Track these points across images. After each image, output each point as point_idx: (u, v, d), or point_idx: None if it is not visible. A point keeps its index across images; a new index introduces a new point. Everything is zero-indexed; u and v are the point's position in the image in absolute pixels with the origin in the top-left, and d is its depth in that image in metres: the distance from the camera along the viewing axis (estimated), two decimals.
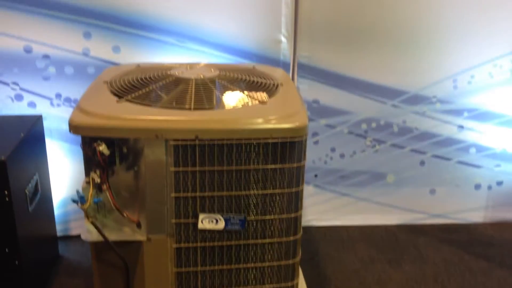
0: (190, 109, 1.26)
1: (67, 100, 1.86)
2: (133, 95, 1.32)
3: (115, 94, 1.34)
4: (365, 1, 1.92)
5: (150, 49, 1.87)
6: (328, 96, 2.04)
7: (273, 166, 1.25)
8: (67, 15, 1.76)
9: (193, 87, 1.38)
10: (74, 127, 1.18)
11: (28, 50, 1.78)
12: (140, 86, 1.38)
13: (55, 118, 1.86)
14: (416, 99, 2.06)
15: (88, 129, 1.18)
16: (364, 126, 2.11)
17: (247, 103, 1.34)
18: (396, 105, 2.08)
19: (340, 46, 1.98)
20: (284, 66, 1.97)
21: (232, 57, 1.93)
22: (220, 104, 1.34)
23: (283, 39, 1.94)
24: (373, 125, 2.11)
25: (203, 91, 1.37)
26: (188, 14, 1.85)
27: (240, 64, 1.87)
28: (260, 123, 1.23)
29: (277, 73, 1.67)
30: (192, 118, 1.23)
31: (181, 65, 1.61)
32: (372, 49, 1.98)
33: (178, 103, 1.29)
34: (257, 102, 1.35)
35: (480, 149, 2.16)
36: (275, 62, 1.96)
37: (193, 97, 1.32)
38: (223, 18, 1.89)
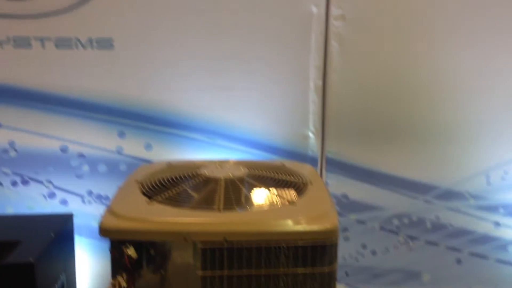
0: (219, 210, 1.26)
1: (98, 197, 1.90)
2: (163, 195, 1.33)
3: (145, 195, 1.36)
4: (394, 96, 1.95)
5: (181, 146, 1.92)
6: (358, 190, 2.01)
7: (303, 270, 1.21)
8: (103, 115, 1.85)
9: (222, 186, 1.39)
10: (104, 231, 1.19)
11: (64, 150, 1.85)
12: (170, 187, 1.40)
13: (85, 215, 1.88)
14: (449, 195, 2.02)
15: (118, 233, 1.18)
16: (396, 221, 2.05)
17: (276, 203, 1.33)
18: (428, 201, 2.03)
19: (368, 141, 1.99)
20: (312, 161, 1.98)
21: (260, 152, 1.96)
22: (249, 204, 1.33)
23: (311, 135, 1.97)
24: (405, 221, 2.05)
25: (232, 191, 1.37)
26: (217, 112, 1.91)
27: (269, 160, 1.89)
28: (289, 225, 1.21)
29: (306, 170, 1.67)
30: (221, 220, 1.22)
31: (210, 162, 1.63)
32: (401, 144, 1.98)
33: (207, 204, 1.29)
34: (286, 202, 1.34)
35: None
36: (303, 157, 1.97)
37: (222, 197, 1.32)
38: (252, 116, 1.94)
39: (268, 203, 1.34)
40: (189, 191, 1.38)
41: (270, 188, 1.41)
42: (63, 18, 1.76)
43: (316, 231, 1.21)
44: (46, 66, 1.79)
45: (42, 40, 1.77)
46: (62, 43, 1.78)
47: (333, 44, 1.91)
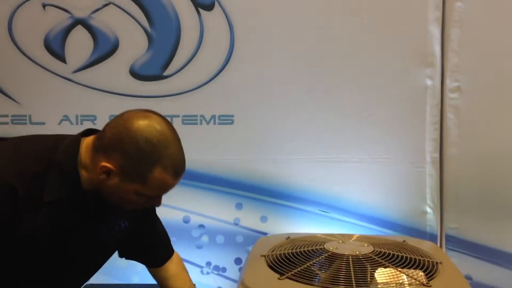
0: None
1: (216, 268, 1.94)
2: (292, 272, 1.33)
3: (273, 269, 1.37)
4: None
5: (295, 219, 1.93)
6: (483, 272, 1.88)
7: None
8: (223, 188, 1.93)
9: (351, 265, 1.36)
10: None
11: (186, 221, 1.94)
12: (297, 262, 1.39)
13: (203, 286, 1.92)
14: None
15: None
16: None
17: (410, 285, 1.28)
18: None
19: (492, 219, 1.88)
20: (431, 238, 1.90)
21: (376, 227, 1.91)
22: (381, 285, 1.29)
23: (429, 209, 1.90)
24: None
25: (361, 269, 1.34)
26: (332, 185, 1.92)
27: (390, 236, 1.83)
28: None
29: (430, 248, 1.61)
30: None
31: (332, 236, 1.62)
32: None
33: (339, 283, 1.27)
34: (420, 284, 1.28)
35: None
36: (420, 233, 1.90)
37: (352, 277, 1.29)
38: (367, 189, 1.92)
39: (401, 284, 1.29)
40: (317, 267, 1.37)
41: (400, 269, 1.36)
42: (190, 98, 1.90)
43: None
44: None
45: (171, 117, 1.91)
46: (188, 120, 1.92)
47: (450, 116, 1.88)
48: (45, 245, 1.03)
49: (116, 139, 1.00)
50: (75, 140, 1.05)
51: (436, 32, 1.85)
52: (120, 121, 1.02)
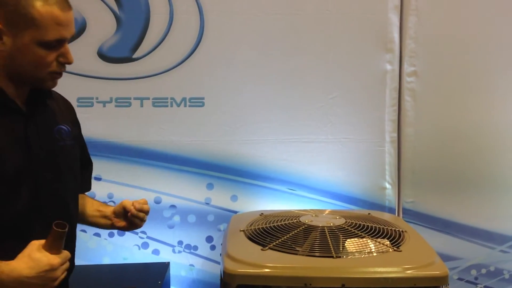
0: (332, 257, 1.32)
1: (188, 247, 1.97)
2: (274, 243, 1.40)
3: (254, 242, 1.43)
4: (469, 148, 2.01)
5: (264, 197, 2.00)
6: (435, 241, 2.01)
7: None
8: (193, 169, 1.96)
9: (327, 234, 1.45)
10: (228, 276, 1.25)
11: (158, 201, 1.96)
12: (276, 234, 1.46)
13: (175, 265, 1.95)
14: None
15: (242, 278, 1.25)
16: (473, 272, 2.06)
17: (382, 251, 1.39)
18: (505, 251, 2.05)
19: (444, 192, 2.04)
20: (390, 211, 2.03)
21: (339, 203, 2.02)
22: (357, 251, 1.39)
23: (388, 185, 2.03)
24: (483, 271, 2.06)
25: (336, 238, 1.43)
26: (299, 164, 2.00)
27: (356, 210, 1.95)
28: (405, 272, 1.26)
29: (393, 219, 1.74)
30: (338, 265, 1.28)
31: (305, 211, 1.71)
32: (478, 195, 2.02)
33: (319, 251, 1.35)
34: (391, 250, 1.39)
35: None
36: (380, 207, 2.03)
37: (331, 244, 1.38)
38: (331, 167, 2.02)
39: (374, 250, 1.39)
40: (296, 238, 1.44)
41: (373, 237, 1.46)
42: (160, 80, 1.91)
43: (431, 277, 1.25)
44: (143, 123, 1.93)
45: (141, 99, 1.91)
46: (159, 102, 1.93)
47: (407, 99, 2.01)
48: (13, 159, 1.03)
49: None
50: None
51: (395, 19, 1.97)
52: None
